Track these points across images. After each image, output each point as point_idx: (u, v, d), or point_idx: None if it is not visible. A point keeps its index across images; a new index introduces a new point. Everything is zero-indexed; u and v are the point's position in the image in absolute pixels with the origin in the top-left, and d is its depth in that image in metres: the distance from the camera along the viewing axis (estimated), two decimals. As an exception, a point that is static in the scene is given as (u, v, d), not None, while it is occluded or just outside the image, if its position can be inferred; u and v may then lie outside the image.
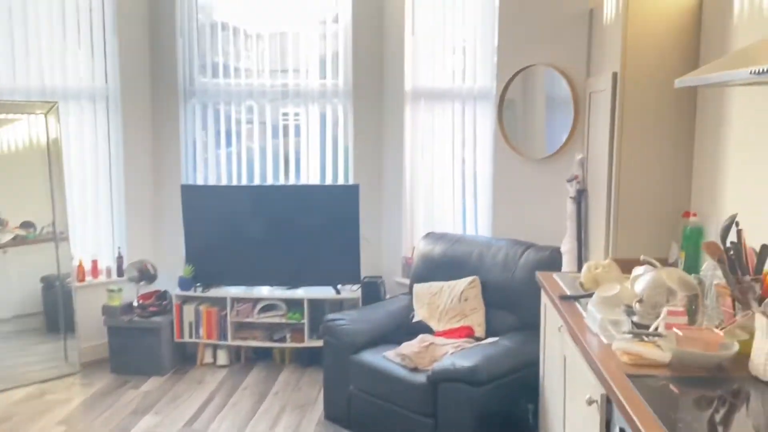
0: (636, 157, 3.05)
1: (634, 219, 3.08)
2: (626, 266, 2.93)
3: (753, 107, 2.48)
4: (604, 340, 2.17)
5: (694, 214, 2.87)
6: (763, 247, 2.19)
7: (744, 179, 2.55)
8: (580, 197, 3.56)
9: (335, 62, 4.74)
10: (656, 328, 2.11)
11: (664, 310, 2.11)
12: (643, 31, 2.94)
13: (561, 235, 3.74)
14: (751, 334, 2.00)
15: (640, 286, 2.32)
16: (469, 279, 3.79)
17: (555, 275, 3.09)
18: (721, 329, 2.03)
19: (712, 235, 2.75)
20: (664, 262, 2.99)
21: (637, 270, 2.54)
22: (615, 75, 3.03)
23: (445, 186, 4.52)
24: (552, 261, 3.59)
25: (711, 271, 2.63)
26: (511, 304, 3.67)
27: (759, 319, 1.89)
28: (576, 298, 2.66)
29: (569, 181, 3.66)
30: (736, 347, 1.94)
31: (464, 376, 3.08)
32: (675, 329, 2.01)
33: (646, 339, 2.09)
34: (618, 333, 2.20)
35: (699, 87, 2.95)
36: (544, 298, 3.08)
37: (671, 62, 2.97)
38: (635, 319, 2.25)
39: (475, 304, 3.74)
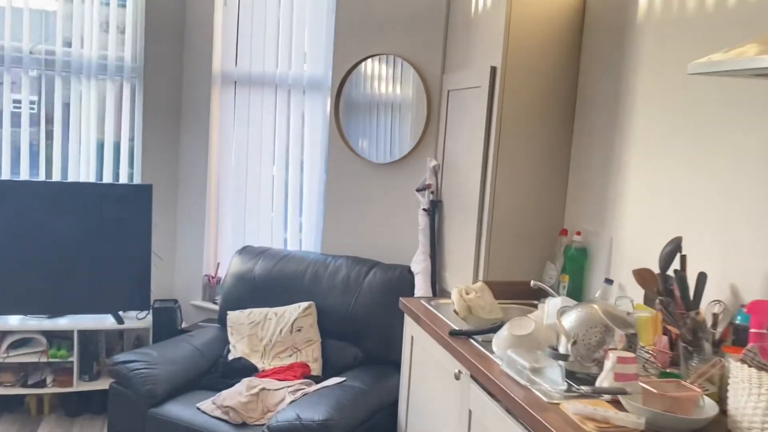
0: (514, 165, 2.66)
1: (508, 236, 2.69)
2: (499, 290, 2.54)
3: (657, 118, 2.21)
4: (543, 397, 1.68)
5: (578, 233, 2.55)
6: (701, 275, 1.88)
7: (639, 195, 2.27)
8: (434, 209, 3.11)
9: (121, 29, 3.76)
10: (604, 381, 1.68)
11: (611, 356, 1.69)
12: (526, 21, 2.57)
13: (408, 252, 3.26)
14: (718, 385, 1.66)
15: (569, 323, 1.88)
16: (304, 305, 3.13)
17: (424, 301, 2.58)
18: (690, 381, 1.65)
19: (599, 256, 2.45)
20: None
21: (552, 303, 2.12)
22: (494, 70, 2.62)
23: (263, 190, 3.79)
24: (402, 282, 3.09)
25: (604, 299, 2.31)
26: (354, 334, 3.09)
27: (738, 370, 1.54)
28: (472, 334, 2.16)
29: (420, 190, 3.19)
30: (714, 406, 1.57)
31: (315, 433, 2.43)
32: (641, 383, 1.59)
33: (600, 397, 1.65)
34: (552, 385, 1.74)
35: (580, 89, 2.66)
36: (411, 330, 2.54)
37: (553, 59, 2.64)
38: (567, 365, 1.81)
39: (310, 335, 3.09)
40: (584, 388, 1.67)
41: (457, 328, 2.21)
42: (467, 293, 2.59)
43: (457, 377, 2.06)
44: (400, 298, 2.64)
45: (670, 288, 1.87)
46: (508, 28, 2.56)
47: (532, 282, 2.43)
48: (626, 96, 2.38)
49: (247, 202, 3.82)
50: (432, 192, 3.14)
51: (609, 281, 2.37)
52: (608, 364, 1.69)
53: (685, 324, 1.78)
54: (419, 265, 3.06)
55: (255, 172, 3.79)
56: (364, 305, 3.08)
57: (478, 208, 2.69)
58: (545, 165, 2.70)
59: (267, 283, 3.29)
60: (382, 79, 3.30)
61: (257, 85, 3.74)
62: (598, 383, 1.69)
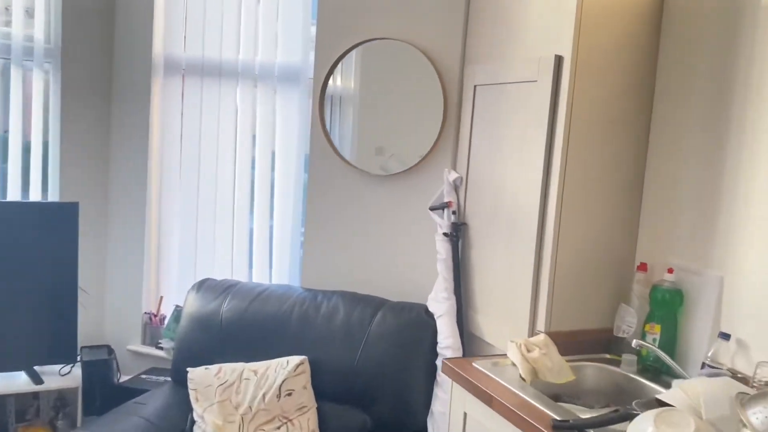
0: (585, 184, 2.08)
1: (574, 275, 2.11)
2: (560, 342, 1.97)
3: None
4: None
5: (670, 270, 2.00)
6: None
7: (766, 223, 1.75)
8: (457, 233, 2.48)
9: (31, 2, 2.90)
10: None
11: None
12: (599, 1, 1.99)
13: (420, 288, 2.63)
14: None
15: (759, 420, 1.31)
16: (294, 360, 2.42)
17: (477, 364, 1.96)
18: None
19: (701, 301, 1.91)
20: (605, 333, 2.10)
21: (703, 385, 1.54)
22: (559, 60, 2.02)
23: (221, 208, 3.04)
24: (421, 327, 2.44)
25: (717, 359, 1.78)
26: (361, 396, 2.42)
27: None
28: (585, 427, 1.55)
29: (436, 208, 2.56)
30: None
31: None
32: None
33: None
34: None
35: (660, 89, 2.11)
36: (464, 404, 1.91)
37: (629, 50, 2.08)
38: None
39: (303, 400, 2.39)
40: None
41: (559, 419, 1.59)
42: (528, 350, 2.00)
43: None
44: (443, 360, 2.00)
45: None
46: (581, 9, 1.97)
47: (634, 342, 1.85)
48: (740, 95, 1.84)
49: (198, 222, 3.05)
50: (454, 212, 2.51)
51: (725, 336, 1.83)
52: None
53: None
54: (441, 305, 2.43)
55: (209, 185, 3.02)
56: (372, 358, 2.41)
57: (537, 240, 2.09)
58: (617, 184, 2.14)
59: (239, 329, 2.56)
60: (383, 70, 2.63)
61: (212, 76, 2.98)
62: None
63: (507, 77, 2.25)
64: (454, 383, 1.96)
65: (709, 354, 1.85)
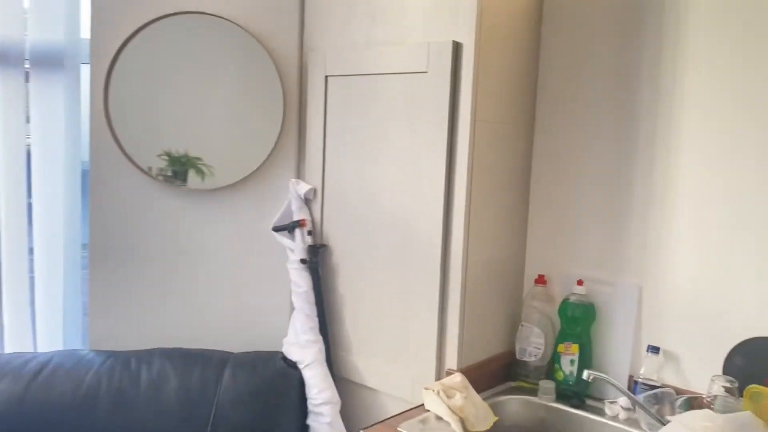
0: (488, 193, 1.79)
1: (480, 298, 1.82)
2: (473, 381, 1.72)
3: (721, 114, 1.62)
4: None
5: (580, 282, 1.83)
6: None
7: (689, 229, 1.67)
8: (316, 258, 2.01)
9: None
10: None
11: None
12: (497, -23, 1.71)
13: (262, 331, 2.10)
14: None
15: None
16: (119, 461, 1.72)
17: (404, 428, 1.55)
18: None
19: (617, 315, 1.78)
20: (506, 358, 1.87)
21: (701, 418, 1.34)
22: (457, 47, 1.69)
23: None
24: (286, 382, 1.93)
25: (648, 375, 1.67)
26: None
27: None
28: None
29: (282, 229, 2.05)
30: None
31: None
32: None
33: None
34: None
35: (543, 74, 1.91)
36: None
37: (518, 39, 1.84)
38: None
39: None
40: None
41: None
42: (448, 396, 1.67)
43: None
44: (363, 430, 1.55)
45: None
46: (481, -16, 1.66)
47: (585, 373, 1.61)
48: (645, 91, 1.73)
49: None
50: (309, 232, 2.03)
51: (655, 349, 1.71)
52: None
53: None
54: (307, 350, 1.94)
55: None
56: (228, 435, 1.83)
57: (441, 259, 1.74)
58: (511, 191, 1.90)
59: (19, 429, 1.75)
60: (194, 54, 2.02)
61: None
62: None
63: (378, 67, 1.85)
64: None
65: (642, 371, 1.71)
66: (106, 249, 2.03)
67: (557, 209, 1.90)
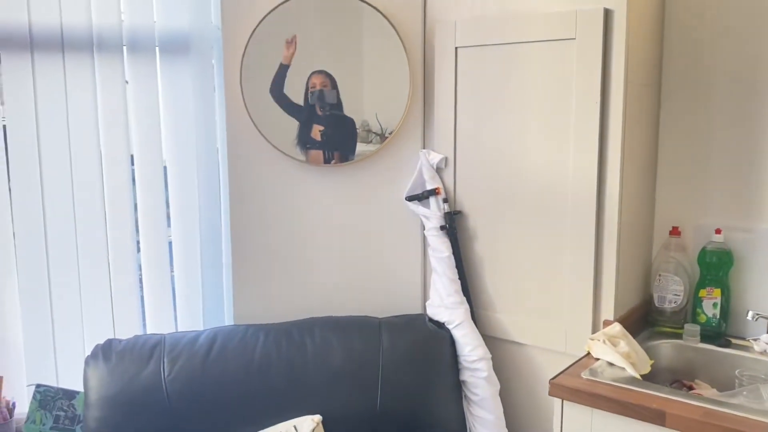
0: (635, 154, 1.89)
1: (630, 249, 1.93)
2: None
3: None
4: None
5: (718, 231, 1.94)
6: None
7: None
8: (453, 224, 2.11)
9: None
10: None
11: None
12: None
13: (399, 296, 2.20)
14: None
15: None
16: (307, 424, 1.82)
17: (587, 375, 1.66)
18: None
19: (755, 259, 1.90)
20: (646, 307, 1.99)
21: None
22: (608, 14, 1.77)
23: (84, 235, 2.14)
24: (439, 342, 2.03)
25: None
26: (391, 443, 1.94)
27: None
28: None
29: (416, 198, 2.14)
30: None
31: None
32: None
33: None
34: None
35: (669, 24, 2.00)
36: None
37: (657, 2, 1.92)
38: None
39: (327, 472, 1.83)
40: None
41: None
42: (613, 344, 1.78)
43: None
44: (552, 383, 1.66)
45: None
46: (627, -49, 1.73)
47: (750, 314, 1.74)
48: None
49: (51, 257, 2.11)
50: (444, 200, 2.12)
51: (794, 288, 1.85)
52: None
53: None
54: (455, 311, 2.05)
55: (62, 203, 2.10)
56: (396, 396, 1.94)
57: (596, 220, 1.85)
58: (648, 148, 2.00)
59: (200, 404, 1.85)
60: (321, 34, 2.07)
61: (50, 49, 2.03)
62: None
63: (518, 36, 1.92)
64: (575, 407, 1.63)
65: (785, 309, 1.84)
66: (246, 231, 2.10)
67: (686, 163, 2.01)
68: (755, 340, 1.89)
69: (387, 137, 2.10)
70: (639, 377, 1.69)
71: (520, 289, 2.02)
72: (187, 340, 1.95)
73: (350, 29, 2.07)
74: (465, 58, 2.04)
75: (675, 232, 2.02)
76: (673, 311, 2.01)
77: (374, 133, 2.08)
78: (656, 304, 2.02)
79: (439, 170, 2.14)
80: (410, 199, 2.14)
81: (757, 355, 1.82)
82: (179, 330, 2.22)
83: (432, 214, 2.10)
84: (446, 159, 2.12)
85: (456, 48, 2.05)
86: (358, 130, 2.07)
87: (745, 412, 1.45)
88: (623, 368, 1.71)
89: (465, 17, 2.04)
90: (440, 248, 2.07)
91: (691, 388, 1.86)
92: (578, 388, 1.61)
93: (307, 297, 2.16)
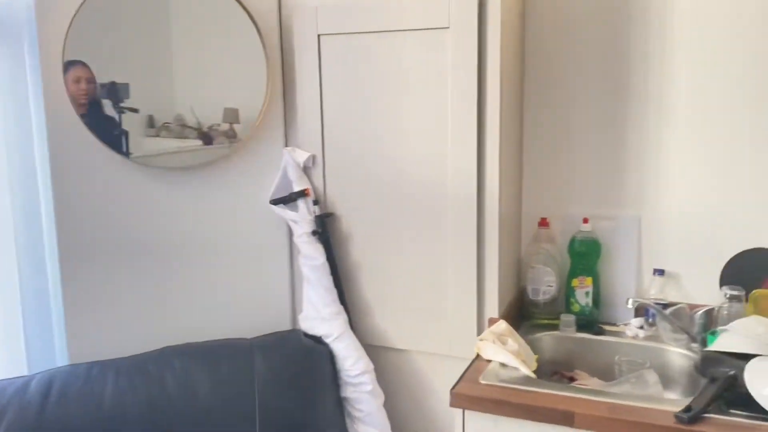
0: (510, 147, 1.85)
1: (508, 242, 1.89)
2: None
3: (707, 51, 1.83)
4: None
5: (585, 220, 1.97)
6: None
7: (683, 160, 1.89)
8: (326, 228, 1.94)
9: None
10: None
11: None
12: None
13: (266, 313, 1.99)
14: None
15: None
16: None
17: (485, 381, 1.59)
18: None
19: (621, 245, 1.97)
20: (519, 300, 1.99)
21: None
22: (483, 3, 1.70)
23: None
24: (317, 358, 1.86)
25: (657, 294, 1.90)
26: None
27: None
28: (707, 407, 1.41)
29: (281, 201, 1.94)
30: None
31: None
32: None
33: None
34: None
35: (531, 26, 2.00)
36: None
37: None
38: None
39: None
40: None
41: (683, 410, 1.42)
42: (502, 343, 1.76)
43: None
44: (454, 393, 1.55)
45: None
46: (499, -63, 1.68)
47: (630, 301, 1.77)
48: (644, 43, 1.89)
49: None
50: (315, 201, 1.93)
51: (660, 272, 1.92)
52: None
53: None
54: (333, 323, 1.88)
55: None
56: (278, 426, 1.73)
57: (478, 214, 1.78)
58: (515, 140, 1.98)
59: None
60: (159, 16, 1.78)
61: None
62: None
63: (390, 23, 1.79)
64: (477, 415, 1.55)
65: (653, 292, 1.92)
66: (76, 247, 1.77)
67: (550, 154, 2.02)
68: (626, 324, 1.94)
69: (209, 132, 1.86)
70: (533, 375, 1.65)
71: (400, 292, 1.91)
72: (15, 389, 1.58)
73: (192, 14, 1.80)
74: (330, 46, 1.87)
75: (543, 223, 2.02)
76: (546, 302, 2.01)
77: (191, 128, 1.83)
78: (530, 297, 2.01)
79: (306, 169, 1.95)
80: (276, 202, 1.94)
81: (630, 339, 1.87)
82: (-3, 377, 1.81)
83: (301, 218, 1.91)
84: (314, 157, 1.94)
85: (319, 35, 1.87)
86: (170, 125, 1.80)
87: (647, 402, 1.46)
88: (516, 368, 1.66)
89: (328, 2, 1.86)
90: (314, 255, 1.89)
91: (572, 379, 1.87)
92: (481, 395, 1.52)
93: (160, 323, 1.87)
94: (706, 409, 1.40)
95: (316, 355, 1.85)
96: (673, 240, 1.93)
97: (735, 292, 1.78)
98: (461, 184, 1.77)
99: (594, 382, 1.84)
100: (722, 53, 1.80)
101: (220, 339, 1.86)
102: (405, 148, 1.83)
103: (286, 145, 1.97)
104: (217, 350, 1.79)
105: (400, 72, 1.80)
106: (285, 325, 2.00)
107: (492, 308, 1.82)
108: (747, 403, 1.41)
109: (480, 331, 1.83)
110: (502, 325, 1.80)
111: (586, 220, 1.97)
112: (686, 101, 1.85)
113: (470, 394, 1.53)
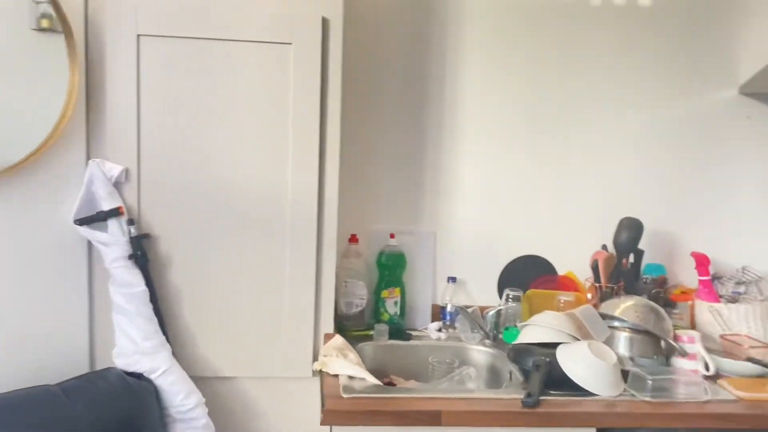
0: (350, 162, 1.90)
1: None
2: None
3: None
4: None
5: (392, 235, 2.13)
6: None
7: (470, 178, 2.19)
8: (144, 251, 1.73)
9: None
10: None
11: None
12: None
13: (60, 351, 1.70)
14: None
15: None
16: None
17: (347, 394, 1.62)
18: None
19: (420, 257, 2.18)
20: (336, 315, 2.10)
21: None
22: (326, 22, 1.74)
23: None
24: (141, 398, 1.64)
25: (451, 300, 2.20)
26: None
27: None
28: (541, 392, 1.66)
29: (88, 221, 1.68)
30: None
31: None
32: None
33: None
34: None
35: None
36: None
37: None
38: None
39: None
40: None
41: (526, 395, 1.64)
42: (345, 357, 1.85)
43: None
44: (327, 412, 1.53)
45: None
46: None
47: (450, 306, 1.94)
48: (444, 68, 2.13)
49: None
50: (130, 221, 1.71)
51: (453, 279, 2.18)
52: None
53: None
54: (156, 357, 1.68)
55: None
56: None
57: (318, 231, 1.80)
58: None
59: None
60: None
61: None
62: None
63: (227, 32, 1.70)
64: (347, 430, 1.56)
65: (448, 299, 2.15)
66: None
67: (359, 172, 2.13)
68: (425, 329, 2.14)
69: None
70: (381, 383, 1.72)
71: (229, 317, 1.80)
72: None
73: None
74: (153, 49, 1.69)
75: (354, 239, 2.12)
76: (356, 314, 2.10)
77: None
78: (344, 310, 2.09)
79: (118, 185, 1.72)
80: (81, 222, 1.66)
81: (436, 342, 2.08)
82: None
83: (114, 240, 1.67)
84: (127, 171, 1.72)
85: (139, 36, 1.68)
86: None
87: (494, 394, 1.66)
88: (363, 378, 1.72)
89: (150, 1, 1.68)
90: (131, 282, 1.68)
91: (391, 383, 2.00)
92: (352, 409, 1.55)
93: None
94: (542, 392, 1.65)
95: (140, 393, 1.64)
96: (462, 251, 2.20)
97: (516, 293, 2.12)
98: (302, 202, 1.77)
99: (412, 384, 1.99)
100: (502, 78, 2.14)
101: (17, 390, 1.52)
102: (239, 164, 1.75)
103: (89, 157, 1.71)
104: (14, 402, 1.46)
105: (237, 84, 1.72)
106: (82, 365, 1.72)
107: (327, 324, 1.85)
108: (560, 384, 1.70)
109: (316, 348, 1.84)
110: (339, 340, 1.84)
111: (392, 236, 2.13)
112: (473, 135, 2.15)
113: (342, 410, 1.54)
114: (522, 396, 1.63)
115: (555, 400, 1.65)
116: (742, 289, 2.19)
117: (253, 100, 1.73)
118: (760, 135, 2.27)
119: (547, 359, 1.75)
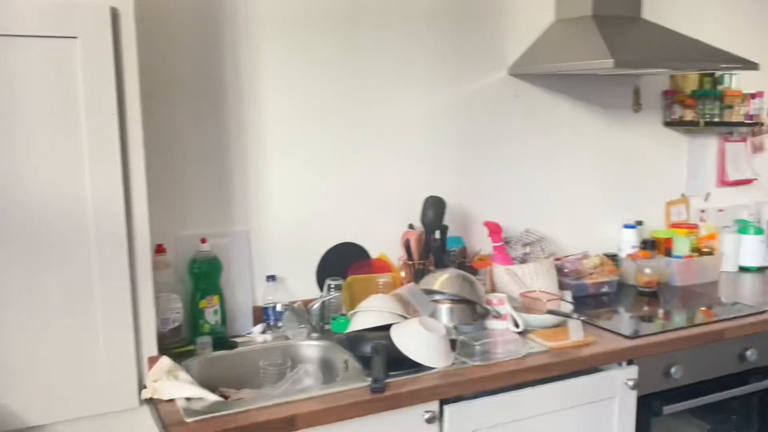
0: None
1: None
2: None
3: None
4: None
5: (203, 240, 1.99)
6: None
7: (280, 176, 2.14)
8: None
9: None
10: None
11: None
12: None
13: None
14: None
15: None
16: None
17: (192, 418, 1.50)
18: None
19: (234, 259, 2.09)
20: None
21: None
22: (116, 13, 1.56)
23: None
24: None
25: (269, 298, 2.18)
26: None
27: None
28: (387, 374, 1.69)
29: None
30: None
31: None
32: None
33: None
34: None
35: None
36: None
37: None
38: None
39: None
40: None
41: (372, 382, 1.65)
42: (177, 378, 1.74)
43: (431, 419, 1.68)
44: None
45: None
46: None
47: (279, 305, 1.85)
48: (239, 68, 2.03)
49: None
50: None
51: (272, 277, 2.11)
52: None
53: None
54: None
55: None
56: None
57: (129, 245, 1.62)
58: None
59: None
60: None
61: None
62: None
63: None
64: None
65: (270, 298, 2.09)
66: None
67: (162, 177, 1.95)
68: (250, 334, 2.06)
69: None
70: (222, 399, 1.62)
71: (30, 354, 1.55)
72: None
73: None
74: None
75: (160, 249, 1.95)
76: (173, 330, 1.95)
77: None
78: (161, 328, 1.91)
79: None
80: None
81: (263, 345, 2.00)
82: None
83: None
84: None
85: None
86: None
87: (339, 388, 1.65)
88: (201, 398, 1.61)
89: None
90: None
91: (225, 396, 1.88)
92: (205, 433, 1.43)
93: None
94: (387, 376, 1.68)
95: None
96: (277, 248, 2.14)
97: (337, 282, 2.12)
98: (106, 212, 1.57)
99: (245, 394, 1.90)
100: (302, 80, 2.11)
101: None
102: (26, 178, 1.50)
103: None
104: None
105: (13, 87, 1.47)
106: None
107: (150, 346, 1.68)
108: (397, 364, 1.75)
109: (140, 374, 1.66)
110: (166, 361, 1.68)
111: (204, 240, 1.99)
112: (278, 132, 2.10)
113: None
114: (368, 383, 1.64)
115: (396, 381, 1.69)
116: (528, 249, 2.44)
117: (35, 104, 1.49)
118: (527, 110, 2.53)
119: (384, 342, 1.78)
